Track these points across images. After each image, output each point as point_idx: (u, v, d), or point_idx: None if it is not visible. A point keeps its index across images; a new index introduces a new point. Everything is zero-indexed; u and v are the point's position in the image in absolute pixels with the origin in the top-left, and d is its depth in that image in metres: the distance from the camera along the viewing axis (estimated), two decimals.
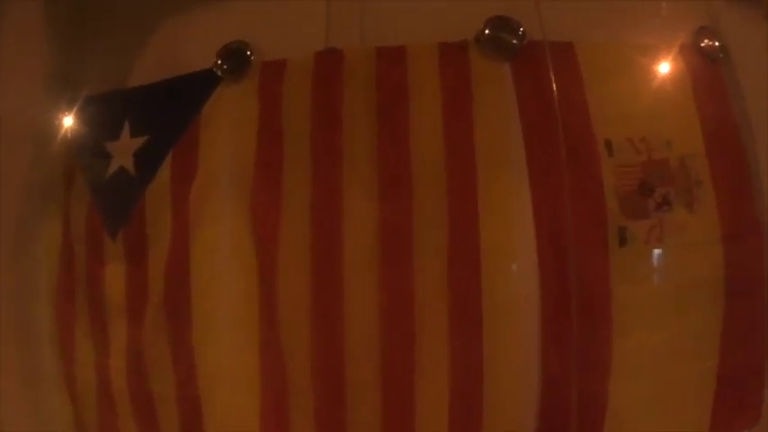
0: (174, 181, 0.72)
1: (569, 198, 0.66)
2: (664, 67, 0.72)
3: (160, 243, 0.72)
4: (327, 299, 0.65)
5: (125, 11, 0.79)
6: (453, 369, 0.64)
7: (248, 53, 0.70)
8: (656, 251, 0.68)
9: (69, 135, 0.80)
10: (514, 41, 0.68)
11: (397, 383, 0.65)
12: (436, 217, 0.64)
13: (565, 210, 0.65)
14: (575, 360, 0.65)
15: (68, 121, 0.81)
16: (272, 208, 0.67)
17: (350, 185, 0.65)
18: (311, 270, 0.65)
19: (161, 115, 0.74)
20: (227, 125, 0.70)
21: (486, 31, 0.68)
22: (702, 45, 0.72)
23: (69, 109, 0.80)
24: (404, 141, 0.65)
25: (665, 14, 0.74)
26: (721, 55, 0.72)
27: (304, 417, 0.67)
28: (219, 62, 0.71)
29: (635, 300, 0.66)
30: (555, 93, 0.67)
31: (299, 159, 0.67)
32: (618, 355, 0.66)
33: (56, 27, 0.83)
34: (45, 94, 0.81)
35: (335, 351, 0.64)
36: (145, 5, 0.78)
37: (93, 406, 0.79)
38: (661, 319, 0.68)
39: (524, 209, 0.65)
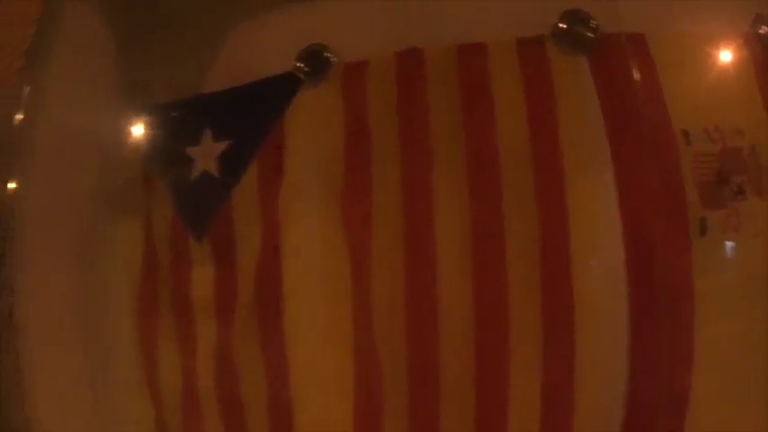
0: (260, 183, 0.73)
1: (652, 189, 0.67)
2: (728, 56, 0.73)
3: (249, 244, 0.74)
4: (421, 296, 0.66)
5: (194, 15, 0.80)
6: (546, 364, 0.66)
7: (327, 55, 0.72)
8: (732, 241, 0.69)
9: (145, 142, 0.81)
10: (590, 35, 0.69)
11: (490, 380, 0.66)
12: (526, 212, 0.65)
13: (650, 202, 0.66)
14: (661, 353, 0.66)
15: (143, 129, 0.82)
16: (363, 207, 0.68)
17: (439, 183, 0.67)
18: (404, 268, 0.67)
19: (244, 119, 0.75)
20: (312, 127, 0.71)
21: (562, 25, 0.69)
22: (760, 32, 0.73)
23: (143, 116, 0.81)
24: (491, 138, 0.67)
25: (722, 3, 0.75)
26: None
27: (397, 416, 0.69)
28: (300, 65, 0.72)
29: (714, 290, 0.67)
30: (636, 84, 0.69)
31: (387, 158, 0.68)
32: (699, 347, 0.67)
33: (121, 35, 0.84)
34: (116, 103, 0.83)
35: (430, 348, 0.66)
36: (214, 10, 0.79)
37: (177, 410, 0.81)
38: (737, 309, 0.68)
39: (610, 203, 0.66)
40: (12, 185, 0.86)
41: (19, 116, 0.85)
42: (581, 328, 0.65)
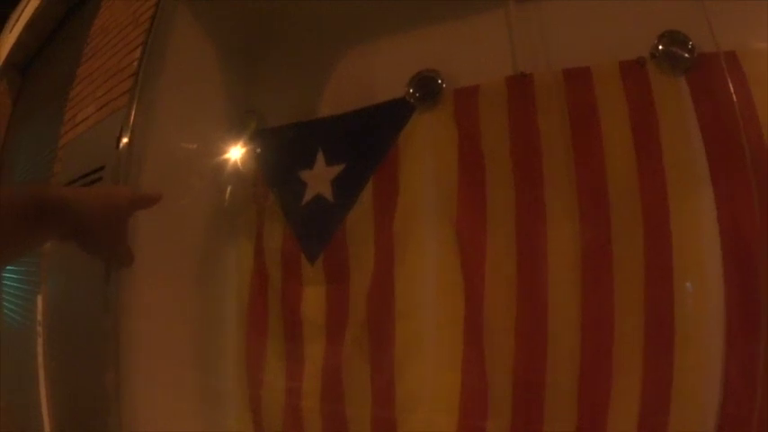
0: (375, 207, 0.78)
1: (754, 210, 0.70)
2: None
3: (362, 265, 0.78)
4: (532, 315, 0.70)
5: (306, 38, 0.84)
6: (645, 379, 0.69)
7: (439, 81, 0.76)
8: None
9: (258, 165, 0.85)
10: (687, 55, 0.73)
11: (593, 396, 0.70)
12: (633, 236, 0.69)
13: (748, 221, 0.69)
14: (756, 370, 0.68)
15: (256, 151, 0.86)
16: (478, 230, 0.73)
17: (552, 205, 0.71)
18: (516, 289, 0.71)
19: (358, 144, 0.79)
20: (426, 152, 0.76)
21: (660, 47, 0.73)
22: None
23: (256, 139, 0.86)
24: (599, 160, 0.71)
25: None
26: None
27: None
28: (412, 90, 0.76)
29: None
30: (732, 103, 0.72)
31: (501, 182, 0.73)
32: None
33: (231, 58, 0.88)
34: (227, 125, 0.87)
35: (537, 367, 0.70)
36: (327, 33, 0.83)
37: (278, 426, 0.84)
38: None
39: (711, 223, 0.69)
40: None
41: (125, 139, 0.89)
42: (680, 345, 0.68)
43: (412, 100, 0.78)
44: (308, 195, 0.83)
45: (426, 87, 0.77)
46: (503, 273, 0.72)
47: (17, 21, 1.58)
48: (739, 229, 0.69)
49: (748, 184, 0.70)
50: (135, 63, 0.97)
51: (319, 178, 0.82)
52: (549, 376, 0.71)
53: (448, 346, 0.74)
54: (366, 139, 0.81)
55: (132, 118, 0.91)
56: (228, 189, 0.91)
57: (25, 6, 1.55)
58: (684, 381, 0.69)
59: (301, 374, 0.84)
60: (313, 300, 0.83)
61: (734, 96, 0.73)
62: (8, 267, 0.97)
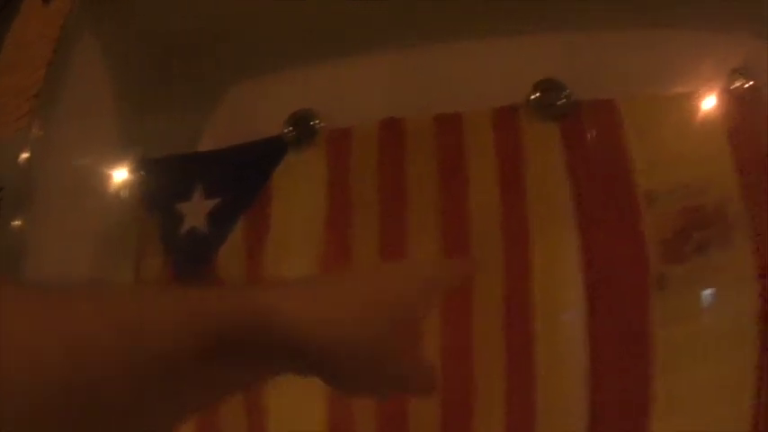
0: (246, 242, 0.80)
1: (614, 249, 0.72)
2: (699, 114, 0.77)
3: None
4: None
5: (192, 74, 0.86)
6: (509, 411, 0.71)
7: (316, 121, 0.78)
8: (695, 293, 0.74)
9: (140, 193, 0.88)
10: (561, 102, 0.75)
11: (456, 426, 0.72)
12: (493, 272, 0.71)
13: (611, 260, 0.72)
14: (621, 400, 0.72)
15: (138, 180, 0.89)
16: (342, 270, 0.75)
17: (414, 247, 0.73)
18: None
19: (234, 179, 0.81)
20: (297, 190, 0.78)
21: (535, 95, 0.75)
22: (735, 86, 0.76)
23: (139, 168, 0.88)
24: (464, 207, 0.73)
25: (698, 60, 0.79)
26: (755, 95, 0.77)
27: None
28: (288, 129, 0.79)
29: (677, 339, 0.72)
30: (602, 149, 0.75)
31: (367, 224, 0.75)
32: (660, 394, 0.71)
33: (124, 87, 0.91)
34: (115, 152, 0.89)
35: (399, 402, 0.73)
36: (212, 70, 0.85)
37: None
38: (702, 357, 0.73)
39: (573, 261, 0.71)
40: (16, 223, 0.91)
41: (25, 155, 0.91)
42: (542, 372, 0.71)
43: (287, 139, 0.80)
44: (185, 226, 0.85)
45: (302, 127, 0.80)
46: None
47: None
48: (602, 267, 0.72)
49: (611, 225, 0.73)
50: (39, 83, 0.99)
51: (196, 211, 0.84)
52: (411, 408, 0.73)
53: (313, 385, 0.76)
54: (242, 175, 0.83)
55: (32, 138, 0.94)
56: (112, 217, 0.93)
57: None
58: (550, 412, 0.71)
59: None
60: None
61: (603, 142, 0.75)
62: None
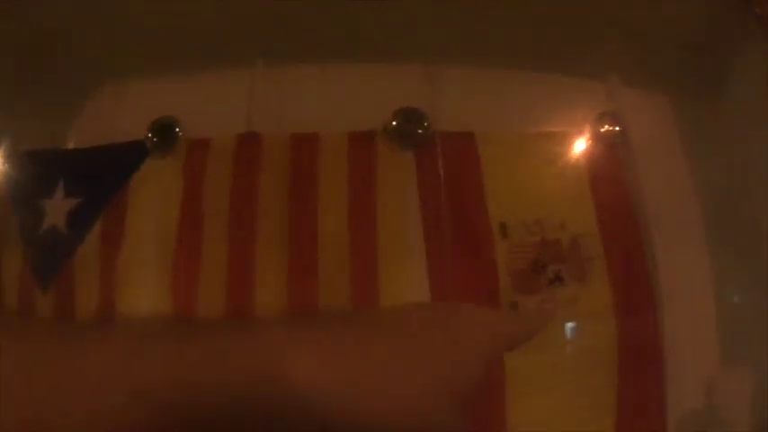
0: (102, 244, 0.80)
1: (464, 278, 0.74)
2: (561, 154, 0.81)
3: (88, 300, 0.80)
4: None
5: (64, 70, 0.87)
6: None
7: (177, 129, 0.79)
8: (549, 323, 0.76)
9: (5, 187, 0.88)
10: (419, 131, 0.78)
11: None
12: (339, 297, 0.73)
13: (460, 289, 0.74)
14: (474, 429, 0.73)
15: (4, 174, 0.89)
16: (190, 282, 0.76)
17: (262, 263, 0.75)
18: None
19: (94, 179, 0.82)
20: (153, 196, 0.79)
21: (394, 122, 0.78)
22: (602, 130, 0.80)
23: (5, 161, 0.88)
24: (312, 225, 0.75)
25: (568, 103, 0.83)
26: (621, 139, 0.80)
27: None
28: (150, 135, 0.80)
29: (527, 368, 0.74)
30: (454, 180, 0.78)
31: (216, 236, 0.76)
32: (511, 420, 0.74)
33: (3, 77, 0.90)
34: None
35: None
36: (83, 69, 0.86)
37: None
38: (554, 386, 0.76)
39: (421, 287, 0.74)
40: None
41: None
42: None
43: (149, 144, 0.81)
44: (46, 224, 0.85)
45: (164, 134, 0.80)
46: (210, 320, 0.75)
47: None
48: (448, 294, 0.74)
49: (460, 255, 0.76)
50: None
51: (57, 208, 0.84)
52: None
53: None
54: (102, 176, 0.83)
55: None
56: None
57: None
58: None
59: None
60: None
61: (460, 174, 0.78)
62: None
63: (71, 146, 0.85)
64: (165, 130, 0.80)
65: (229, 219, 0.76)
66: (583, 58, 0.84)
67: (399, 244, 0.75)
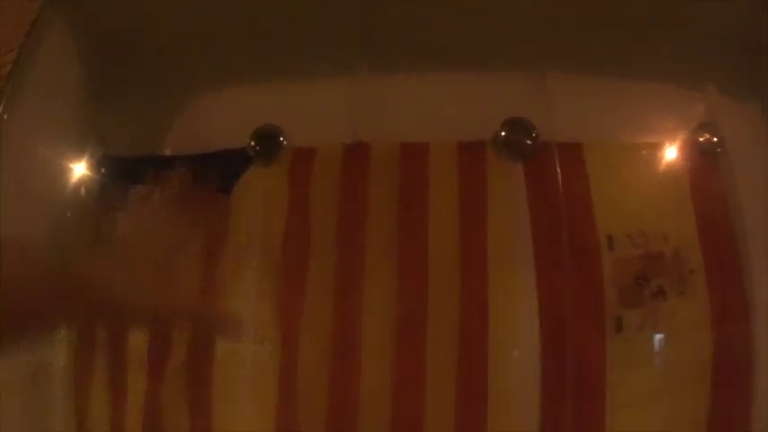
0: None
1: (572, 290, 0.73)
2: (663, 164, 0.79)
3: None
4: (344, 379, 0.73)
5: (161, 77, 0.86)
6: None
7: (281, 138, 0.78)
8: (650, 337, 0.75)
9: (99, 191, 0.87)
10: (528, 142, 0.76)
11: None
12: (449, 307, 0.71)
13: (568, 302, 0.73)
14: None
15: (96, 178, 0.88)
16: (297, 288, 0.75)
17: (372, 272, 0.73)
18: (331, 352, 0.73)
19: (195, 187, 0.81)
20: (257, 205, 0.77)
21: (502, 133, 0.76)
22: (701, 140, 0.78)
23: (100, 165, 0.87)
24: (423, 235, 0.73)
25: (667, 113, 0.81)
26: (719, 149, 0.79)
27: None
28: (252, 143, 0.78)
29: (628, 383, 0.73)
30: (564, 191, 0.76)
31: (324, 245, 0.75)
32: None
33: (93, 80, 0.89)
34: (76, 147, 0.88)
35: (348, 429, 0.73)
36: (180, 75, 0.85)
37: None
38: (651, 401, 0.74)
39: (530, 301, 0.72)
40: None
41: None
42: (494, 409, 0.71)
43: (251, 152, 0.80)
44: None
45: (267, 142, 0.79)
46: (318, 332, 0.74)
47: None
48: (557, 307, 0.73)
49: (569, 268, 0.74)
50: (8, 65, 0.98)
51: None
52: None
53: (262, 396, 0.76)
54: (203, 184, 0.83)
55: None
56: (68, 211, 0.91)
57: None
58: None
59: (124, 408, 0.85)
60: (137, 334, 0.84)
61: (566, 185, 0.76)
62: None
63: (168, 152, 0.83)
64: (268, 139, 0.79)
65: (337, 229, 0.75)
66: (682, 67, 0.83)
67: (509, 256, 0.73)
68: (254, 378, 0.75)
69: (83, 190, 0.89)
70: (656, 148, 0.79)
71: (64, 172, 0.89)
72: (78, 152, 0.88)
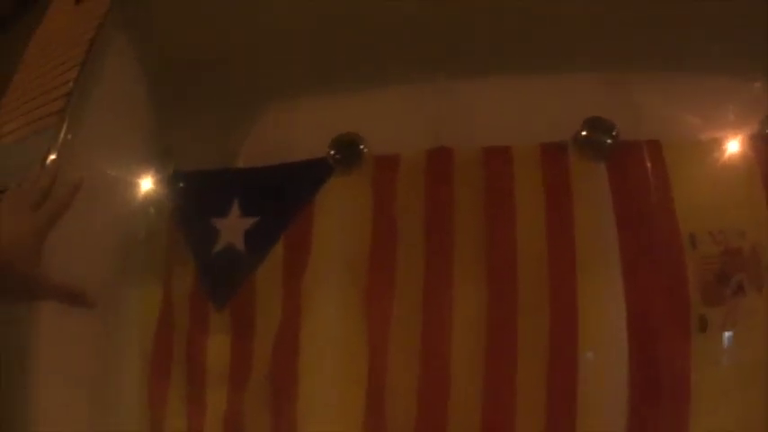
0: (286, 262, 0.78)
1: (658, 291, 0.72)
2: (736, 159, 0.78)
3: (269, 319, 0.78)
4: (433, 385, 0.71)
5: (231, 90, 0.85)
6: None
7: (361, 146, 0.77)
8: (730, 334, 0.73)
9: (172, 206, 0.86)
10: (609, 141, 0.75)
11: None
12: (538, 309, 0.70)
13: (654, 301, 0.71)
14: None
15: (171, 192, 0.87)
16: (386, 296, 0.74)
17: (460, 277, 0.72)
18: (419, 359, 0.72)
19: (274, 198, 0.80)
20: (340, 214, 0.77)
21: (583, 132, 0.75)
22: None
23: (172, 180, 0.86)
24: (510, 239, 0.72)
25: (733, 106, 0.79)
26: None
27: None
28: (332, 152, 0.78)
29: (710, 382, 0.72)
30: (648, 191, 0.75)
31: (412, 252, 0.74)
32: None
33: (159, 98, 0.89)
34: (146, 162, 0.87)
35: None
36: (252, 86, 0.84)
37: None
38: (731, 398, 0.73)
39: (617, 301, 0.71)
40: None
41: (52, 157, 0.89)
42: (582, 413, 0.70)
43: (332, 161, 0.79)
44: (221, 243, 0.84)
45: (348, 150, 0.79)
46: (407, 339, 0.73)
47: None
48: (644, 307, 0.72)
49: (655, 267, 0.73)
50: (71, 83, 0.97)
51: (233, 228, 0.83)
52: None
53: (350, 407, 0.75)
54: (283, 195, 0.82)
55: (61, 139, 0.92)
56: (141, 227, 0.91)
57: None
58: None
59: (203, 422, 0.85)
60: (218, 347, 0.83)
61: (649, 184, 0.75)
62: None
63: (241, 165, 0.83)
64: (349, 147, 0.78)
65: (424, 236, 0.74)
66: (745, 60, 0.82)
67: (596, 258, 0.73)
68: (341, 388, 0.74)
69: (152, 206, 0.88)
70: (724, 142, 0.78)
71: (132, 188, 0.88)
72: (147, 168, 0.87)
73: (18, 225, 0.63)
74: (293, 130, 0.80)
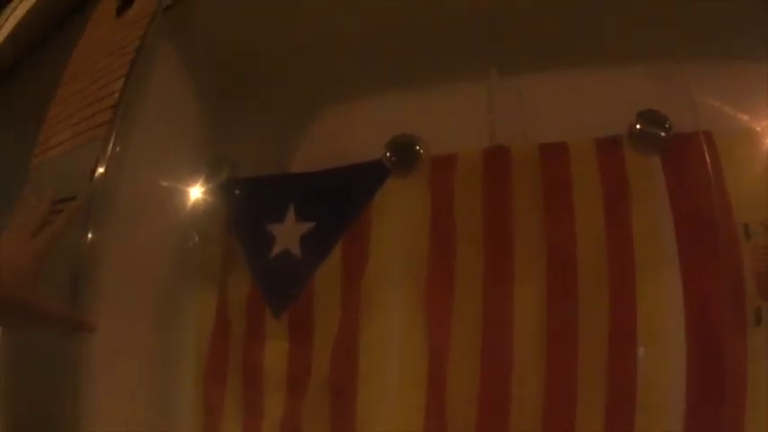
0: (344, 267, 0.78)
1: (716, 284, 0.71)
2: None
3: (328, 324, 0.78)
4: (494, 388, 0.71)
5: (284, 94, 0.85)
6: None
7: (417, 147, 0.77)
8: None
9: (227, 213, 0.86)
10: (663, 134, 0.75)
11: None
12: (599, 306, 0.70)
13: (712, 295, 0.71)
14: None
15: (226, 199, 0.87)
16: (445, 297, 0.74)
17: (520, 276, 0.72)
18: (480, 361, 0.72)
19: (330, 203, 0.80)
20: (399, 216, 0.77)
21: (638, 126, 0.75)
22: None
23: (227, 187, 0.87)
24: (570, 234, 0.72)
25: None
26: None
27: None
28: (388, 154, 0.78)
29: (761, 377, 0.71)
30: (704, 183, 0.75)
31: (471, 252, 0.74)
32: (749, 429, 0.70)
33: (209, 105, 0.89)
34: (199, 170, 0.88)
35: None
36: (304, 90, 0.84)
37: None
38: None
39: (676, 296, 0.70)
40: (90, 236, 0.88)
41: (100, 170, 0.89)
42: (641, 411, 0.69)
43: (388, 164, 0.79)
44: (277, 249, 0.84)
45: (404, 152, 0.79)
46: (468, 340, 0.73)
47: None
48: (703, 302, 0.71)
49: (715, 261, 0.72)
50: (117, 94, 0.98)
51: (289, 233, 0.83)
52: None
53: (410, 411, 0.75)
54: (339, 199, 0.82)
55: (109, 151, 0.92)
56: (195, 235, 0.91)
57: (10, 15, 1.55)
58: None
59: (260, 428, 0.85)
60: (275, 353, 0.83)
61: (707, 175, 0.75)
62: None
63: (295, 170, 0.83)
64: (405, 149, 0.78)
65: (484, 234, 0.74)
66: None
67: (655, 254, 0.72)
68: (402, 393, 0.74)
69: (206, 213, 0.88)
70: None
71: (186, 196, 0.89)
72: (199, 176, 0.88)
73: (18, 256, 0.64)
74: (348, 134, 0.79)
